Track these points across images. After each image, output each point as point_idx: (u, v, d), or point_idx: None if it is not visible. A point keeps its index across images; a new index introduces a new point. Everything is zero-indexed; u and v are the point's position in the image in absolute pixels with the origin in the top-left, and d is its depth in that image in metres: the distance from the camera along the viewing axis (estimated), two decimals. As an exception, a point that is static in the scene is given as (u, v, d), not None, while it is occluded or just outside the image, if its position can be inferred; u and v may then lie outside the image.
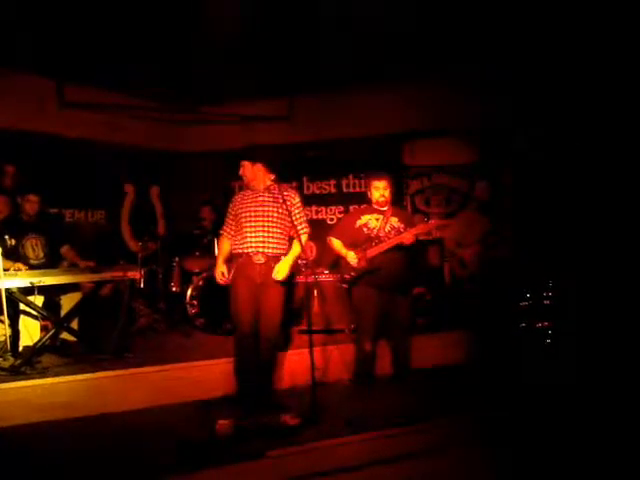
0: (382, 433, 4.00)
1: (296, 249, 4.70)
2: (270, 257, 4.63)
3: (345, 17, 6.11)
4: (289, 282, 4.84)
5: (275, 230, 4.66)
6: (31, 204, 5.77)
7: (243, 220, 4.70)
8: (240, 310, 4.63)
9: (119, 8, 5.69)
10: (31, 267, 5.53)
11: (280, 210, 4.68)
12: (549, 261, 6.39)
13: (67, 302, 5.70)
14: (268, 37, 6.48)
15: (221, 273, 4.79)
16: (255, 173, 4.73)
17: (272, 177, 4.74)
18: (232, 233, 4.82)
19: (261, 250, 4.61)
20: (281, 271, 4.62)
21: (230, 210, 4.87)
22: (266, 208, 4.68)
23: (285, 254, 4.70)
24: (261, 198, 4.72)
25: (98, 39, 6.24)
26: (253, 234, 4.64)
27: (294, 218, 4.69)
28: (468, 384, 5.10)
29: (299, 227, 4.72)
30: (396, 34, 6.46)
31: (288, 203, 4.67)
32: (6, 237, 5.51)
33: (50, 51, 6.51)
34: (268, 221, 4.65)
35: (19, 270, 5.21)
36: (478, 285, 5.67)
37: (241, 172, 4.77)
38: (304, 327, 5.55)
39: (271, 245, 4.64)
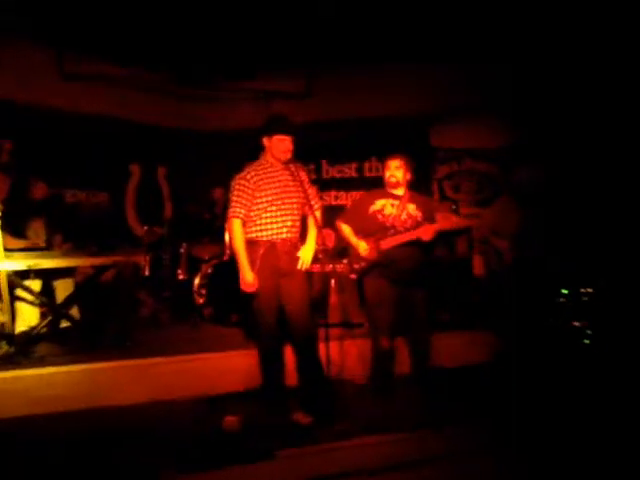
0: (399, 436, 3.88)
1: (314, 230, 4.35)
2: (293, 243, 4.23)
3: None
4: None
5: (298, 213, 4.22)
6: (42, 191, 5.76)
7: (267, 200, 4.13)
8: (266, 304, 4.20)
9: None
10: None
11: (299, 189, 4.22)
12: (587, 257, 6.09)
13: (61, 288, 5.60)
14: (285, 9, 6.23)
15: (252, 283, 4.13)
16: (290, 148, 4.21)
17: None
18: (249, 215, 4.20)
19: (290, 236, 4.19)
20: (307, 259, 4.26)
21: (245, 187, 4.14)
22: (291, 188, 4.18)
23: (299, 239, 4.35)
24: (284, 176, 4.18)
25: (103, 5, 6.04)
26: (281, 218, 4.14)
27: (308, 193, 4.26)
28: (493, 386, 4.84)
29: (313, 202, 4.32)
30: (421, 9, 6.23)
31: (302, 178, 4.24)
32: None
33: (50, 19, 6.28)
34: (293, 203, 4.17)
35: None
36: (511, 279, 5.38)
37: (291, 148, 4.20)
38: (320, 320, 5.28)
39: (295, 230, 4.23)
